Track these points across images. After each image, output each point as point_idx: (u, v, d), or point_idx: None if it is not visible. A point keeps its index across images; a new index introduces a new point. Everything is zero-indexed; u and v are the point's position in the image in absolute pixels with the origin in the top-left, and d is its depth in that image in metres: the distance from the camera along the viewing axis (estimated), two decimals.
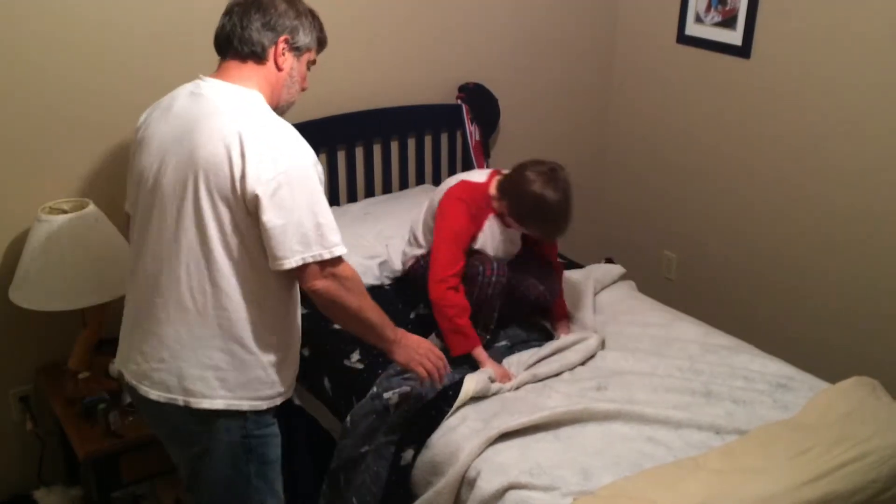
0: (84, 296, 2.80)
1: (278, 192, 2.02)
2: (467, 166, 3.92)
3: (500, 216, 2.89)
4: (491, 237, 2.92)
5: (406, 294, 3.14)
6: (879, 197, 3.38)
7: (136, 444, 2.80)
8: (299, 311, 2.31)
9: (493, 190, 2.89)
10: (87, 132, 3.01)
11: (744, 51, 3.73)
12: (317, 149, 3.49)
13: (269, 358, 2.20)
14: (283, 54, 2.23)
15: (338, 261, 2.12)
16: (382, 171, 3.75)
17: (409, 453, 2.54)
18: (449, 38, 3.79)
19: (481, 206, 2.88)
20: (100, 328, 3.02)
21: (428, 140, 3.85)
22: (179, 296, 2.11)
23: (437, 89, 3.82)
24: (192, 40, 3.12)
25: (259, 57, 2.20)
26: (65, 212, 2.86)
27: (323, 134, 3.50)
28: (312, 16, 2.29)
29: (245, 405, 2.17)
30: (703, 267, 4.21)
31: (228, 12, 2.24)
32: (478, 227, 2.89)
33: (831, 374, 2.83)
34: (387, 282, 3.27)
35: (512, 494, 2.27)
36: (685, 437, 2.48)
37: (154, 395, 2.16)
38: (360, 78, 3.58)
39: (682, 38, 4.01)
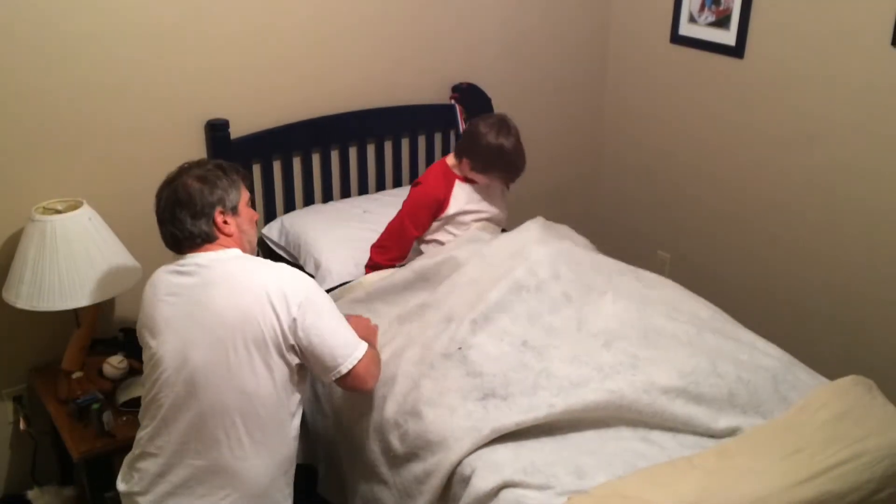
0: (78, 296, 2.79)
1: (306, 321, 2.26)
2: None
3: (466, 178, 3.19)
4: (466, 199, 3.19)
5: None
6: (873, 196, 3.39)
7: (130, 444, 2.79)
8: None
9: (450, 159, 3.22)
10: (81, 132, 3.01)
11: (737, 51, 3.74)
12: (310, 149, 3.54)
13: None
14: (226, 222, 2.37)
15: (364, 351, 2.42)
16: (376, 171, 3.75)
17: None
18: (442, 39, 3.79)
19: (442, 178, 3.19)
20: (93, 328, 3.02)
21: (421, 140, 3.85)
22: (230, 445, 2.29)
23: (431, 89, 3.82)
24: (187, 40, 3.12)
25: (210, 240, 2.35)
26: (59, 212, 2.85)
27: (317, 134, 3.50)
28: (222, 169, 2.41)
29: None
30: (696, 266, 4.22)
31: (161, 222, 2.36)
32: (446, 194, 3.16)
33: (824, 374, 2.83)
34: None
35: (506, 493, 2.27)
36: (679, 438, 2.47)
37: None
38: (353, 78, 3.58)
39: (676, 38, 4.02)
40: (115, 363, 3.00)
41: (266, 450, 2.32)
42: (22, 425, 3.14)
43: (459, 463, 2.39)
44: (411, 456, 2.51)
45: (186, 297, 2.28)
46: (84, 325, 2.98)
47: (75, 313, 2.95)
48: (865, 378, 2.66)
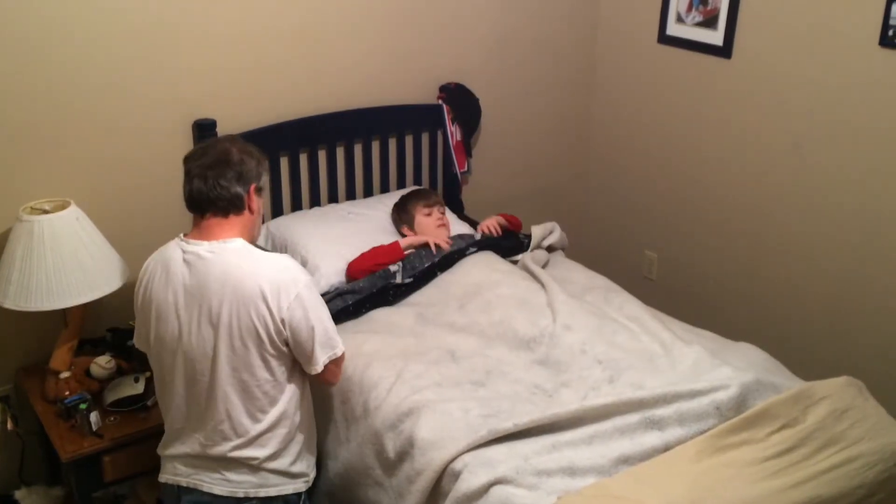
0: (65, 296, 2.79)
1: (296, 318, 2.35)
2: (448, 166, 3.94)
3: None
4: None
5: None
6: (861, 196, 3.41)
7: (118, 444, 2.79)
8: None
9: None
10: (69, 131, 3.00)
11: (725, 51, 3.76)
12: (298, 148, 3.54)
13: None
14: (254, 198, 2.47)
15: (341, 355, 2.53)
16: (363, 170, 3.75)
17: None
18: (430, 38, 3.79)
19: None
20: (81, 328, 3.01)
21: (409, 140, 3.85)
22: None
23: (418, 89, 3.82)
24: (175, 40, 3.12)
25: (239, 209, 2.42)
26: (46, 212, 2.84)
27: (304, 133, 3.50)
28: (260, 153, 2.52)
29: None
30: (684, 267, 4.23)
31: (201, 176, 2.40)
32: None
33: (810, 375, 2.84)
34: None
35: (496, 490, 2.27)
36: (668, 435, 2.46)
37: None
38: (340, 77, 3.57)
39: (664, 38, 4.03)
40: (102, 363, 3.00)
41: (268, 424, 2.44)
42: (9, 425, 3.13)
43: (452, 460, 2.39)
44: (404, 455, 2.51)
45: (188, 292, 2.36)
46: (71, 325, 2.97)
47: (63, 313, 2.94)
48: (856, 379, 2.66)
